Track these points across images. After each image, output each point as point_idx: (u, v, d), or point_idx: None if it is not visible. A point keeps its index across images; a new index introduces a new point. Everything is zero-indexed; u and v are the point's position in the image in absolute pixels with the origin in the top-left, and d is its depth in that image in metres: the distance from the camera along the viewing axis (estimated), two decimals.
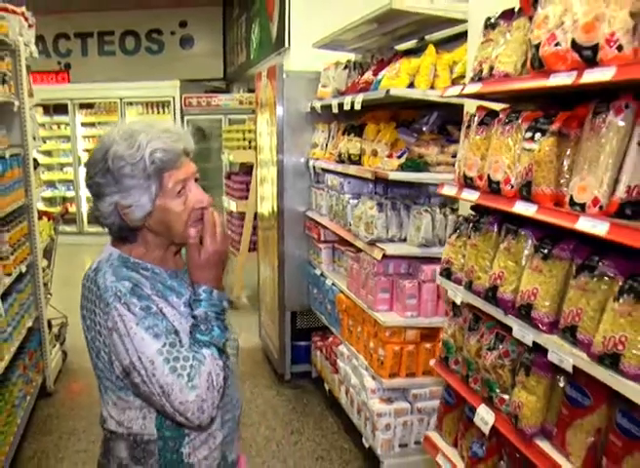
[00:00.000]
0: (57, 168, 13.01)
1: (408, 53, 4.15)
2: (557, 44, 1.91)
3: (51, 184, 12.71)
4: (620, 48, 1.72)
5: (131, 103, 12.52)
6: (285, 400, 5.36)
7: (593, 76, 1.78)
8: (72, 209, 12.62)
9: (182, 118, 12.01)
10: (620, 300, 1.80)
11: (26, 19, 5.33)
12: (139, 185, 1.76)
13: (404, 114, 4.23)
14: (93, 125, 12.68)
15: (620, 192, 1.80)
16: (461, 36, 3.60)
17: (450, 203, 3.80)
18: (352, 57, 5.15)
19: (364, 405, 4.14)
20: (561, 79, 1.91)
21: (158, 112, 12.39)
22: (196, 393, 1.71)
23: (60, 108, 12.56)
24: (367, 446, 4.19)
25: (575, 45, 1.83)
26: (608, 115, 1.86)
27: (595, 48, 1.78)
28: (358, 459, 4.38)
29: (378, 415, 3.93)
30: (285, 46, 8.09)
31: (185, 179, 1.82)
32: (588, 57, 1.81)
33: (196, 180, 1.88)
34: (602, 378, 1.87)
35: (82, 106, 12.78)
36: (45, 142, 12.11)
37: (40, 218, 5.46)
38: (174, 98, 12.06)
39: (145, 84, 12.21)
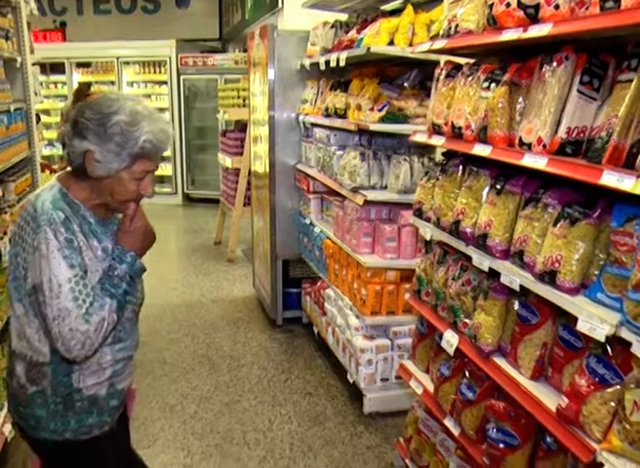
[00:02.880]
0: (54, 127, 13.10)
1: (393, 12, 4.38)
2: (507, 4, 2.18)
3: (49, 143, 12.80)
4: (557, 7, 2.00)
5: (127, 63, 12.51)
6: (277, 343, 5.67)
7: (535, 31, 2.06)
8: None
9: (179, 78, 12.09)
10: (557, 225, 2.10)
11: None
12: (117, 153, 1.98)
13: (388, 71, 4.46)
14: None
15: (561, 133, 2.08)
16: None
17: (427, 153, 4.07)
18: (341, 16, 5.35)
19: (348, 342, 4.45)
20: (510, 34, 2.19)
21: (154, 72, 12.43)
22: (87, 327, 1.93)
23: (56, 67, 12.54)
24: (351, 381, 4.51)
25: (520, 4, 2.11)
26: (551, 66, 2.14)
27: (537, 6, 2.06)
28: (343, 395, 4.68)
29: (361, 351, 4.24)
30: (279, 6, 8.22)
31: (150, 171, 2.09)
32: (531, 14, 2.09)
33: (153, 171, 2.13)
34: (543, 294, 2.18)
35: (79, 65, 12.79)
36: (43, 101, 12.21)
37: (42, 171, 5.68)
38: (170, 58, 12.08)
39: (142, 43, 12.18)
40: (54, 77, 12.77)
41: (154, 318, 6.24)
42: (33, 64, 5.70)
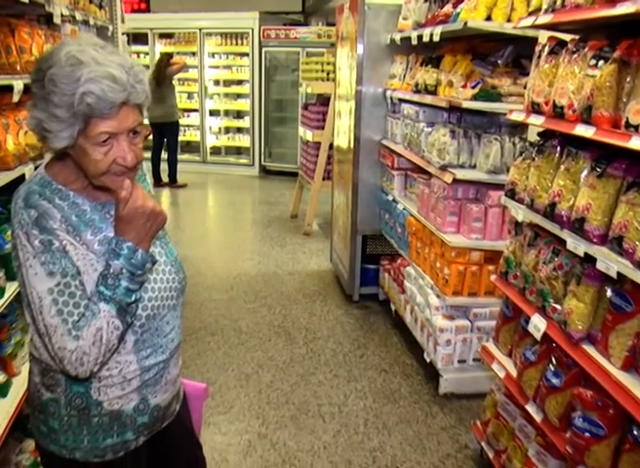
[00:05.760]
0: None
1: None
2: None
3: None
4: None
5: (209, 34, 12.58)
6: (352, 318, 5.67)
7: None
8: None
9: (261, 50, 12.08)
10: None
11: None
12: (63, 117, 1.60)
13: (480, 47, 4.36)
14: None
15: None
16: None
17: (519, 133, 3.97)
18: None
19: (427, 321, 4.42)
20: (626, 7, 2.09)
21: (236, 44, 12.45)
22: (78, 344, 1.63)
23: (138, 38, 12.72)
24: (428, 360, 4.47)
25: None
26: None
27: None
28: (419, 374, 4.66)
29: (440, 331, 4.21)
30: None
31: (115, 133, 1.65)
32: None
33: (135, 133, 1.71)
34: None
35: (161, 36, 12.97)
36: None
37: None
38: (252, 30, 12.04)
39: (225, 15, 12.15)
40: (135, 47, 12.89)
41: (230, 287, 6.34)
42: (122, 34, 5.79)
